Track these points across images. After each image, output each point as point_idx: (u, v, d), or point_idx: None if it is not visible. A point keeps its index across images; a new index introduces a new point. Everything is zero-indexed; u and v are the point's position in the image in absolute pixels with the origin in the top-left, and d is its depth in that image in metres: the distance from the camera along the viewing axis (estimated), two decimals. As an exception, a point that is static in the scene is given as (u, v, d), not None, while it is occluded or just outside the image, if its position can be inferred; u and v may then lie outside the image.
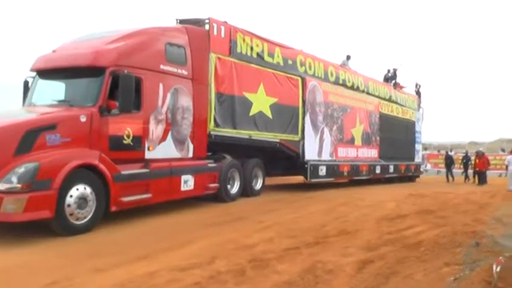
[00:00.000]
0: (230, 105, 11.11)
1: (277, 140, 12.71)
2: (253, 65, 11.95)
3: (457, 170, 24.28)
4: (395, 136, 19.81)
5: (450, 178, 23.34)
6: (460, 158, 24.72)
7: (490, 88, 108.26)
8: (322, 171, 14.53)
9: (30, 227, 6.85)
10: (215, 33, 10.85)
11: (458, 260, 5.55)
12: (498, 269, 4.58)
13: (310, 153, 14.10)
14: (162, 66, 8.90)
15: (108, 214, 7.56)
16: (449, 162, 23.97)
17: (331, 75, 15.83)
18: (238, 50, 11.58)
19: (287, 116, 13.18)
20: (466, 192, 15.31)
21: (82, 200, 6.98)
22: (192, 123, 9.71)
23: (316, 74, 14.92)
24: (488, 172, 22.01)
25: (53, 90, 8.57)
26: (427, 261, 5.56)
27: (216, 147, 10.88)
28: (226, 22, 11.30)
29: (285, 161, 13.87)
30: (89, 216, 7.11)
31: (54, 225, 6.76)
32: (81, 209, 6.96)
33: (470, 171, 22.93)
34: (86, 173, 7.12)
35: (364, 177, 17.22)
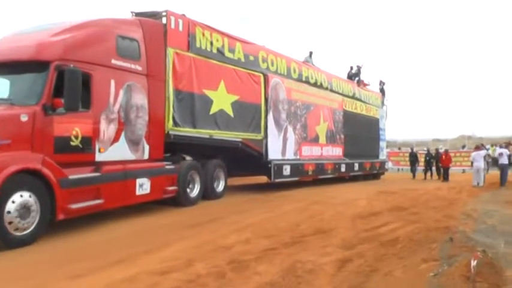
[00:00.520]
0: (189, 103, 10.70)
1: (239, 140, 12.38)
2: (213, 61, 11.57)
3: (420, 167, 24.78)
4: (360, 134, 19.88)
5: (414, 174, 23.95)
6: (423, 155, 25.20)
7: (452, 86, 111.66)
8: (287, 170, 14.29)
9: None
10: (172, 26, 10.40)
11: (435, 255, 5.69)
12: (475, 264, 4.75)
13: (274, 153, 13.85)
14: (113, 61, 8.38)
15: (55, 223, 7.04)
16: (413, 159, 24.63)
17: (294, 72, 15.64)
18: (198, 45, 11.17)
19: (249, 114, 12.87)
20: (434, 189, 15.75)
21: (24, 209, 6.39)
22: (148, 123, 9.22)
23: (279, 71, 14.68)
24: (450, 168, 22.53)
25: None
26: (405, 258, 5.69)
27: (175, 147, 10.47)
28: (184, 15, 10.88)
29: (247, 161, 13.52)
30: (32, 227, 6.52)
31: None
32: (22, 219, 6.37)
33: (433, 168, 23.49)
34: (27, 178, 6.53)
35: (329, 176, 17.12)
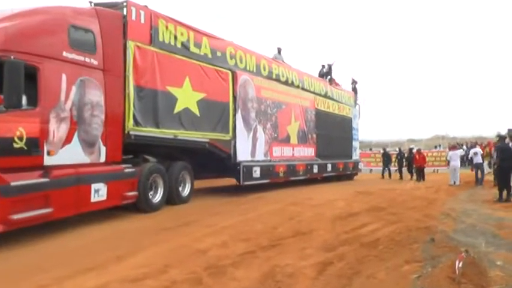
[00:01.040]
0: (152, 101, 10.05)
1: (206, 140, 11.78)
2: (177, 56, 10.95)
3: (393, 168, 24.85)
4: (332, 133, 19.60)
5: (388, 174, 24.09)
6: (394, 155, 25.33)
7: (426, 87, 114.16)
8: (256, 172, 13.78)
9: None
10: (133, 18, 9.76)
11: (417, 256, 5.73)
12: (461, 265, 4.80)
13: (243, 154, 13.30)
14: (65, 54, 7.66)
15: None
16: (386, 159, 24.67)
17: (264, 69, 15.13)
18: (161, 39, 10.54)
19: (216, 113, 12.28)
20: (411, 188, 16.14)
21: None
22: (104, 122, 8.52)
23: (248, 68, 14.15)
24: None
25: None
26: (387, 260, 5.68)
27: (137, 149, 9.85)
28: (146, 6, 10.21)
29: (215, 163, 12.95)
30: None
31: None
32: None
33: (403, 168, 23.62)
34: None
35: (301, 178, 16.70)
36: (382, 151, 27.09)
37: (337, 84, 21.59)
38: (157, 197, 10.06)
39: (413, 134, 72.82)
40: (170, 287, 4.66)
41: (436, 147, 33.44)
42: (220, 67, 12.56)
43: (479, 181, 17.59)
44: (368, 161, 29.97)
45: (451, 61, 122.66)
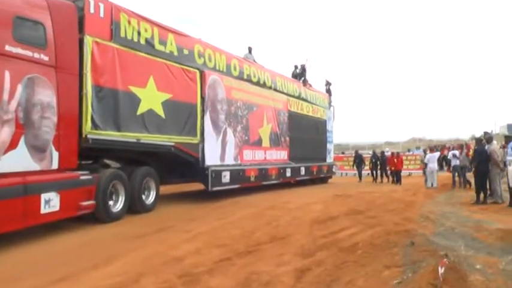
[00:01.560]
0: (112, 102, 9.42)
1: (172, 143, 11.15)
2: (141, 54, 10.33)
3: (365, 171, 24.77)
4: (306, 136, 19.24)
5: (358, 176, 24.15)
6: (368, 158, 25.25)
7: (403, 91, 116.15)
8: (226, 177, 13.22)
9: None
10: (92, 11, 9.12)
11: (397, 261, 5.62)
12: (443, 270, 4.68)
13: (212, 158, 12.73)
14: (7, 47, 6.93)
15: None
16: (358, 161, 24.58)
17: (235, 69, 14.59)
18: (122, 34, 9.90)
19: (183, 115, 11.67)
20: (389, 191, 16.08)
21: None
22: (57, 125, 7.81)
23: (217, 67, 13.58)
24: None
25: None
26: (367, 265, 5.57)
27: (97, 154, 9.22)
28: (106, -1, 9.52)
29: (182, 167, 12.35)
30: None
31: None
32: None
33: (377, 171, 23.55)
34: None
35: (273, 182, 16.23)
36: (354, 153, 26.96)
37: (310, 85, 21.23)
38: (118, 205, 9.39)
39: (391, 136, 73.93)
40: (143, 297, 4.54)
41: (417, 148, 33.51)
42: (187, 66, 11.98)
43: (461, 184, 17.60)
44: (341, 165, 29.74)
45: (429, 65, 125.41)
